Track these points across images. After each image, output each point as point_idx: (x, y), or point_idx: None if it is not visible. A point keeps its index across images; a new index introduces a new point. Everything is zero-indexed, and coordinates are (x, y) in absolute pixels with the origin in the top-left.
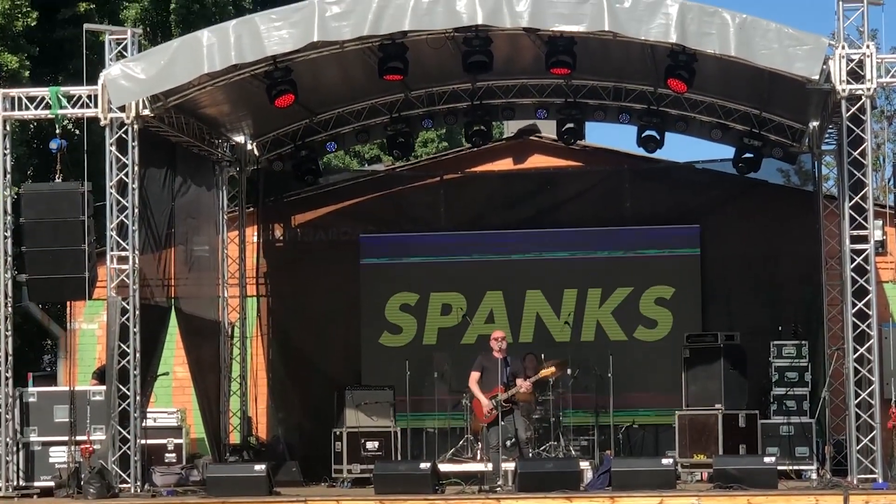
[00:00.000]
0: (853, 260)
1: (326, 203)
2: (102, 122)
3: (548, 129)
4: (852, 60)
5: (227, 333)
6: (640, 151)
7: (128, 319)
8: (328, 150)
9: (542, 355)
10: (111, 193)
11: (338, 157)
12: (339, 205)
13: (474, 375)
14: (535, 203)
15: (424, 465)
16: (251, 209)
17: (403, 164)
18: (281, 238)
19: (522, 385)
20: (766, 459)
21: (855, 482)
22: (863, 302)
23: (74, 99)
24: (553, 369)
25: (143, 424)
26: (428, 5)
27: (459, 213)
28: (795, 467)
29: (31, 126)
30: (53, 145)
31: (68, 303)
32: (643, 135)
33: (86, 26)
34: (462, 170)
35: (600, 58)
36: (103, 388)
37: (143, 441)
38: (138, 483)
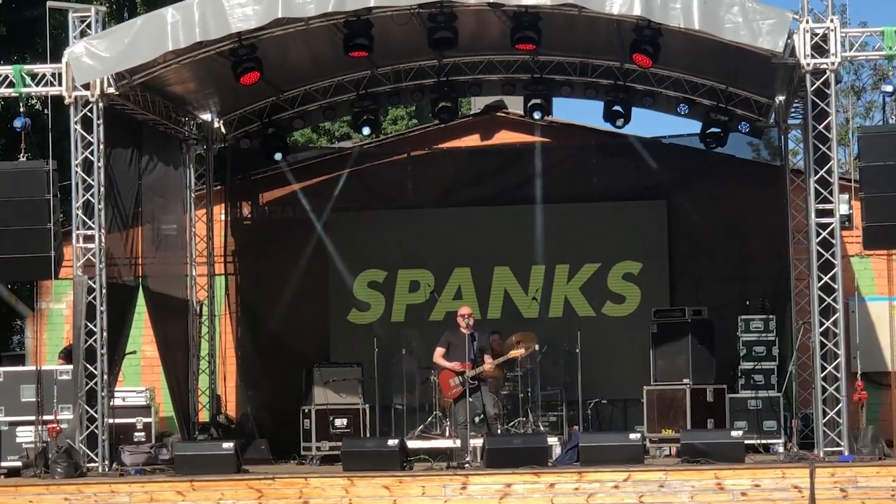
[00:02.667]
0: (819, 234)
1: (294, 181)
2: (67, 101)
3: (515, 105)
4: (816, 34)
5: (195, 312)
6: (608, 127)
7: (95, 298)
8: (295, 127)
9: (501, 335)
10: (77, 172)
11: (305, 136)
12: (307, 182)
13: (439, 351)
14: (502, 179)
15: (393, 442)
16: (219, 187)
17: (370, 141)
18: (249, 216)
19: (488, 364)
20: (734, 433)
21: (821, 455)
22: (828, 276)
23: (39, 77)
24: (522, 350)
25: (111, 403)
26: None
27: (427, 190)
28: (763, 441)
29: None
30: (17, 124)
31: (35, 282)
32: (610, 110)
33: (49, 4)
34: (429, 146)
35: (566, 33)
36: (70, 367)
37: (111, 420)
38: (106, 462)
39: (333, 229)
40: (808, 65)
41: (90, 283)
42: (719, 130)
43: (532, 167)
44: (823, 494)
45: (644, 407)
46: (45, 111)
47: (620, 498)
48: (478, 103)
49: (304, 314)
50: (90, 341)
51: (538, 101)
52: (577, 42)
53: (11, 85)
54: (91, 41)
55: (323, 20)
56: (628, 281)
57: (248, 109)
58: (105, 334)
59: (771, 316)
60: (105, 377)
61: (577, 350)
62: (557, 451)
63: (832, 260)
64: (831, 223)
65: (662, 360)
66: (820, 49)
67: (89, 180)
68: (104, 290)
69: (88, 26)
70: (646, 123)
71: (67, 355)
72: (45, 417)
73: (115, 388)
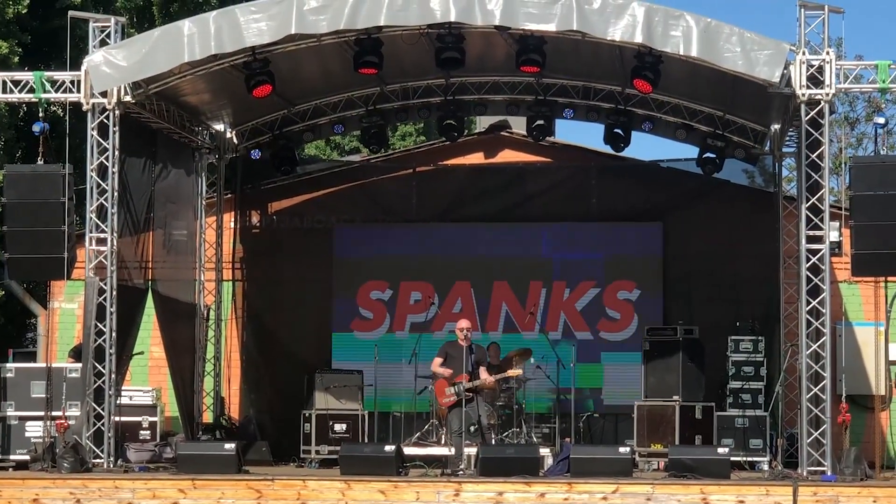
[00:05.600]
0: (809, 259)
1: (302, 192)
2: (84, 107)
3: (519, 125)
4: (812, 66)
5: (202, 316)
6: (608, 149)
7: (105, 299)
8: (305, 140)
9: (498, 346)
10: (91, 177)
11: (318, 148)
12: (315, 194)
13: (436, 361)
14: (504, 197)
15: (389, 448)
16: (229, 195)
17: (378, 156)
18: (257, 224)
19: (487, 379)
20: (720, 450)
21: (805, 474)
22: (817, 300)
23: (58, 84)
24: (520, 371)
25: (118, 402)
26: (403, 2)
27: (431, 205)
28: (749, 459)
29: (22, 110)
30: (36, 128)
31: (49, 282)
32: (611, 133)
33: (70, 13)
34: (434, 163)
35: (570, 57)
36: (79, 365)
37: (117, 418)
38: (111, 458)
39: (339, 241)
40: (804, 95)
41: (101, 284)
42: (714, 156)
43: (533, 186)
44: None
45: (634, 422)
46: (65, 116)
47: None
48: (483, 122)
49: (308, 322)
50: (99, 341)
51: (541, 122)
52: (581, 66)
53: (32, 91)
54: (109, 50)
55: (334, 37)
56: (623, 299)
57: (259, 121)
58: (114, 335)
59: (760, 337)
60: (113, 376)
61: (572, 364)
62: (549, 461)
63: (821, 285)
64: (821, 249)
65: (653, 377)
66: (815, 80)
67: (104, 185)
68: (114, 292)
69: (108, 36)
70: (645, 147)
71: (77, 354)
72: (54, 413)
73: (123, 387)
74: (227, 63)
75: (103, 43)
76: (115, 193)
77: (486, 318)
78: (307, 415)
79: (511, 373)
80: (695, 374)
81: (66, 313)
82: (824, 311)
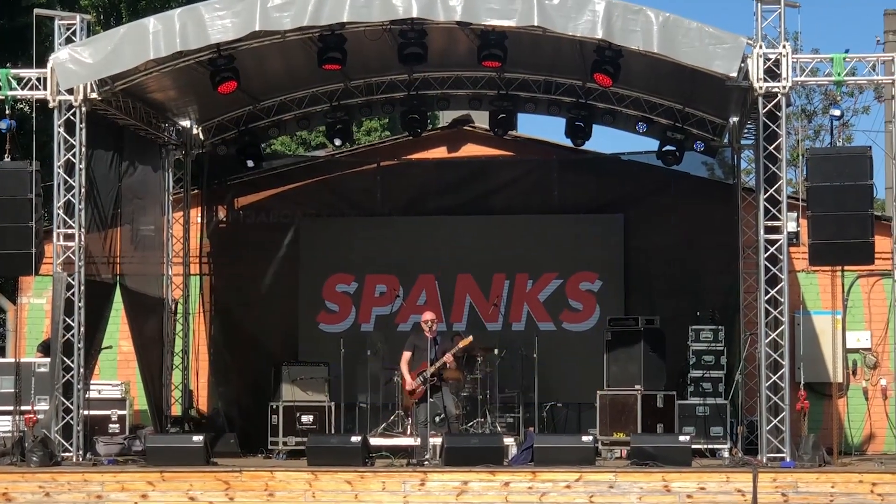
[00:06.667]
0: (767, 249)
1: (268, 187)
2: (51, 105)
3: (481, 119)
4: (769, 59)
5: (170, 310)
6: (569, 142)
7: (73, 294)
8: (270, 136)
9: (471, 336)
10: (59, 173)
11: (284, 144)
12: (281, 189)
13: (405, 356)
14: (467, 190)
15: (356, 439)
16: (196, 191)
17: (343, 151)
18: (224, 219)
19: (446, 358)
20: (682, 438)
21: (764, 461)
22: (775, 290)
23: (24, 81)
24: (470, 339)
25: (87, 396)
26: None
27: (395, 199)
28: (710, 446)
29: None
30: (2, 126)
31: (17, 278)
32: (572, 126)
33: (36, 11)
34: (398, 157)
35: (532, 52)
36: (48, 360)
37: (86, 412)
38: (80, 452)
39: (304, 235)
40: (761, 88)
41: (69, 279)
42: (674, 149)
43: (496, 179)
44: (765, 498)
45: (597, 411)
46: (32, 114)
47: (572, 497)
48: (446, 117)
49: (274, 315)
50: (68, 336)
51: (503, 116)
52: (542, 61)
53: None
54: (75, 48)
55: (298, 33)
56: (586, 290)
57: (225, 117)
58: (82, 329)
59: (720, 327)
60: (81, 370)
61: (535, 355)
62: (513, 451)
63: (779, 275)
64: (779, 239)
65: (616, 367)
66: (772, 73)
67: (71, 181)
68: (82, 287)
69: (74, 34)
70: (606, 140)
71: (46, 348)
72: (23, 408)
73: (92, 381)
74: (192, 60)
75: (69, 40)
76: (83, 189)
77: (450, 310)
78: (274, 407)
79: (463, 343)
80: (656, 363)
81: (34, 308)
82: (783, 300)
